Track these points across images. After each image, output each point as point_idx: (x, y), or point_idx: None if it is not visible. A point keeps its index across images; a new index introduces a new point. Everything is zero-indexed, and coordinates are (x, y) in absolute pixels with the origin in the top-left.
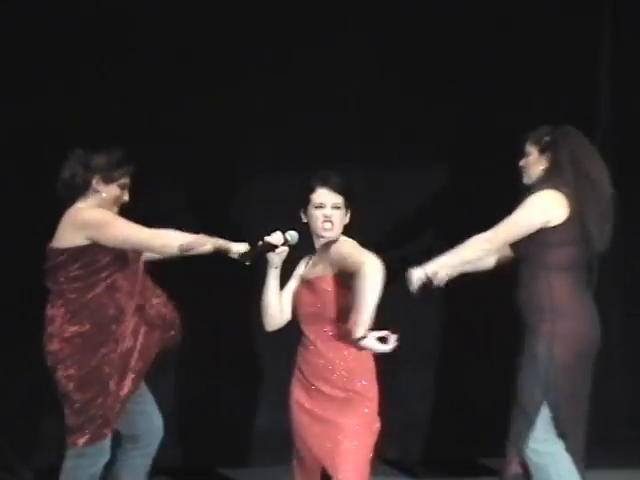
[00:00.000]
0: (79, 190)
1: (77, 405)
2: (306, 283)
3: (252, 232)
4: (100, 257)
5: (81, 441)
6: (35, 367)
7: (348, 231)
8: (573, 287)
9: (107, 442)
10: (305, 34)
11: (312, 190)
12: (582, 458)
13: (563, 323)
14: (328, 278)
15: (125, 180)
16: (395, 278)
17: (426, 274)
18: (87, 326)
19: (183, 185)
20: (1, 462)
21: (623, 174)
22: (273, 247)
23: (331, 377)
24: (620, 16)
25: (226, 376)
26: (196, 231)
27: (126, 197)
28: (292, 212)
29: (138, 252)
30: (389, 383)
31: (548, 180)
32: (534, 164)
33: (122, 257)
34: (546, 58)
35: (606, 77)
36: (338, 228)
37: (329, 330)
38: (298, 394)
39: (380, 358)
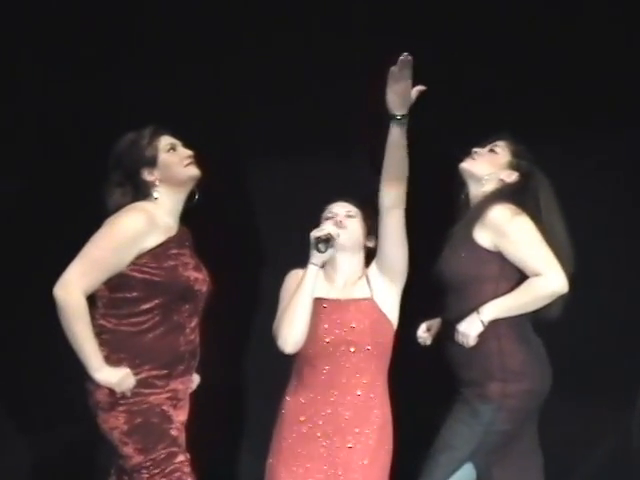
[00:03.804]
0: (139, 197)
1: None
2: (339, 305)
3: (252, 231)
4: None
5: None
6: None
7: None
8: (522, 334)
9: None
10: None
11: (326, 208)
12: None
13: (515, 384)
14: (371, 301)
15: (166, 143)
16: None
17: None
18: None
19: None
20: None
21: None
22: (332, 241)
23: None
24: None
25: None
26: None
27: (186, 163)
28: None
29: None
30: None
31: (512, 197)
32: (494, 166)
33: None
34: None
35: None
36: (353, 237)
37: (358, 360)
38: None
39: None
